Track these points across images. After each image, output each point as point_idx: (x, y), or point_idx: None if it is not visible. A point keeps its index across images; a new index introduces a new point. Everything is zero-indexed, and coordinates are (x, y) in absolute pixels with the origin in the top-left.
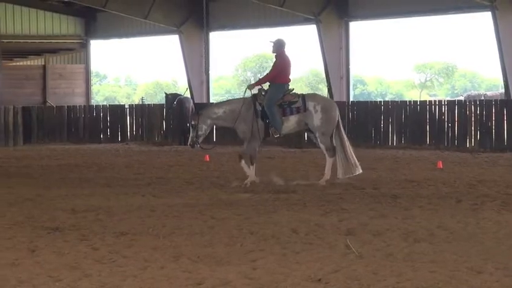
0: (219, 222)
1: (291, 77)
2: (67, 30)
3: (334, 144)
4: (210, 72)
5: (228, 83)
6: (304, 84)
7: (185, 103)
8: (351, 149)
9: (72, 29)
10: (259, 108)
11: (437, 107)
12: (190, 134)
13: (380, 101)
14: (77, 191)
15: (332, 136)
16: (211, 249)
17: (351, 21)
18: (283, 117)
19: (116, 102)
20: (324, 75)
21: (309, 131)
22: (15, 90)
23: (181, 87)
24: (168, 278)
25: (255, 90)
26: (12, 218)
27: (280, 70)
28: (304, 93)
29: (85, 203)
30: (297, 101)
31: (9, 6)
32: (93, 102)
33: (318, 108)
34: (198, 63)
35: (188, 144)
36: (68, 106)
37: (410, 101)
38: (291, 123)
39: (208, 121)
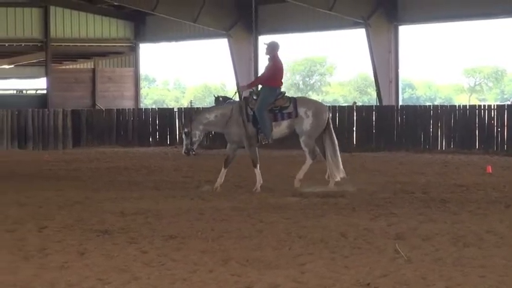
0: (268, 225)
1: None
2: (116, 33)
3: (326, 147)
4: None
5: None
6: (353, 88)
7: None
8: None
9: (121, 32)
10: (250, 112)
11: (486, 111)
12: (184, 142)
13: (429, 105)
14: (126, 194)
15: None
16: (260, 252)
17: (400, 25)
18: (274, 123)
19: (165, 106)
20: (372, 79)
21: (294, 132)
22: (65, 94)
23: (230, 91)
24: (217, 281)
25: (246, 93)
26: (62, 221)
27: (273, 73)
28: (294, 96)
29: (134, 206)
30: (288, 106)
31: (59, 9)
32: (142, 105)
33: (310, 113)
34: (246, 67)
35: (183, 152)
36: (117, 109)
37: (459, 106)
38: (281, 128)
39: (201, 127)
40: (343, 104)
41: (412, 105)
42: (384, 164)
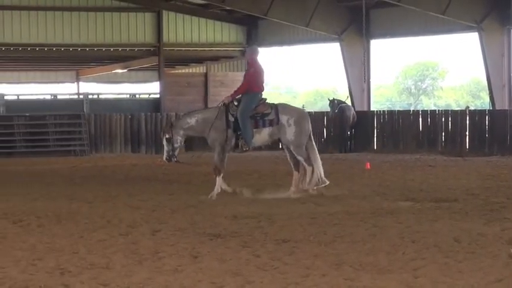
0: (381, 230)
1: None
2: (228, 38)
3: (309, 155)
4: (370, 80)
5: (388, 92)
6: (465, 92)
7: (346, 111)
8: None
9: (233, 36)
10: (231, 119)
11: None
12: (165, 148)
13: None
14: (238, 198)
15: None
16: (373, 257)
17: None
18: (255, 129)
19: None
20: (485, 83)
21: (278, 141)
22: (177, 98)
23: (341, 95)
24: (329, 285)
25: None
26: (175, 225)
27: (254, 78)
28: (276, 103)
29: (246, 210)
30: (269, 113)
31: (172, 14)
32: None
33: (291, 121)
34: (358, 71)
35: (164, 159)
36: None
37: None
38: (263, 135)
39: (181, 132)
40: (456, 109)
41: None
42: (497, 168)
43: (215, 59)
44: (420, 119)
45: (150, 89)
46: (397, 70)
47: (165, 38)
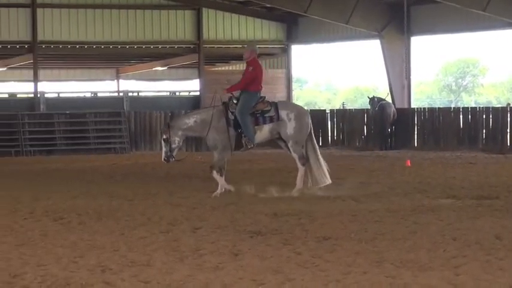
0: (421, 227)
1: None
2: (268, 35)
3: (308, 153)
4: (411, 77)
5: (428, 88)
6: (506, 89)
7: (386, 108)
8: (322, 158)
9: (273, 34)
10: (231, 117)
11: None
12: (163, 149)
13: None
14: (278, 195)
15: (304, 145)
16: (414, 254)
17: None
18: (256, 127)
19: (316, 107)
20: None
21: (280, 139)
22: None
23: (381, 93)
24: (370, 283)
25: (225, 98)
26: (216, 222)
27: (253, 78)
28: (275, 101)
29: (287, 207)
30: (269, 110)
31: (212, 12)
32: None
33: (292, 116)
34: (399, 68)
35: (162, 159)
36: None
37: None
38: (264, 132)
39: (180, 132)
40: (497, 105)
41: None
42: None
43: None
44: (461, 116)
45: (190, 86)
46: (437, 67)
47: (205, 36)
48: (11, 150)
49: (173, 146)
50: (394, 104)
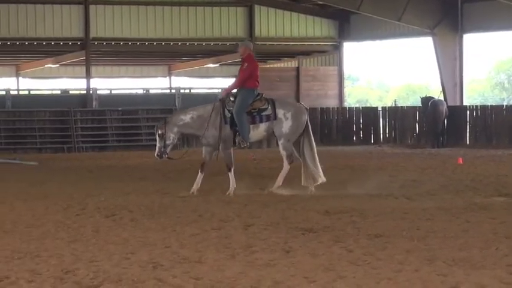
0: (474, 225)
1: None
2: (321, 32)
3: (304, 150)
4: (463, 75)
5: (480, 86)
6: None
7: (439, 106)
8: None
9: (325, 31)
10: (228, 114)
11: None
12: (157, 145)
13: None
14: (330, 193)
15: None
16: (466, 252)
17: None
18: (252, 125)
19: (368, 105)
20: None
21: (272, 135)
22: (269, 92)
23: (434, 91)
24: (422, 281)
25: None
26: (267, 219)
27: (250, 74)
28: (272, 98)
29: (338, 205)
30: (266, 108)
31: (264, 9)
32: (346, 104)
33: (289, 115)
34: (451, 66)
35: (156, 155)
36: (321, 108)
37: None
38: (259, 131)
39: (175, 129)
40: None
41: None
42: None
43: (307, 53)
44: None
45: None
46: (489, 65)
47: (257, 33)
48: (64, 146)
49: (167, 142)
50: (446, 102)
